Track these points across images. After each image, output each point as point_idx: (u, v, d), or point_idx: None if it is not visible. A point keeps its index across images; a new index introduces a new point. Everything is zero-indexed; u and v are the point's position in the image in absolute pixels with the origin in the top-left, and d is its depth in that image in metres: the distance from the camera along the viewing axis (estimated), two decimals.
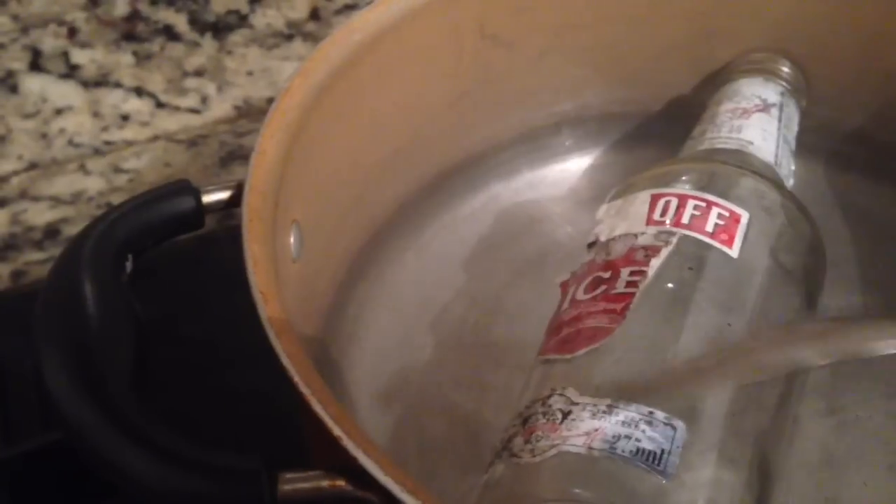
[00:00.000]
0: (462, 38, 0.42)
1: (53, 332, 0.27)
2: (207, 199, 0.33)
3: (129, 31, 0.54)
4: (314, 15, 0.58)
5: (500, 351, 0.41)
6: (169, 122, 0.58)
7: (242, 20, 0.56)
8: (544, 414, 0.32)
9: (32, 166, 0.56)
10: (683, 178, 0.38)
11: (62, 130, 0.56)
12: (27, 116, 0.55)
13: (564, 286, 0.37)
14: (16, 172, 0.55)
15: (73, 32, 0.53)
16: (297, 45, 0.58)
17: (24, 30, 0.52)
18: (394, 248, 0.43)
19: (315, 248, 0.37)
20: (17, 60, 0.53)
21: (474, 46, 0.42)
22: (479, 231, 0.45)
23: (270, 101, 0.59)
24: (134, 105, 0.57)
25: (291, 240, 0.34)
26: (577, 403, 0.32)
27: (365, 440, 0.25)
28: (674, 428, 0.31)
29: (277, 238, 0.32)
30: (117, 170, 0.56)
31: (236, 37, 0.57)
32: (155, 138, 0.58)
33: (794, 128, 0.43)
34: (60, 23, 0.53)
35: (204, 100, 0.58)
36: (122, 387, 0.26)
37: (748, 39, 0.44)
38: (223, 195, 0.33)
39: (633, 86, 0.46)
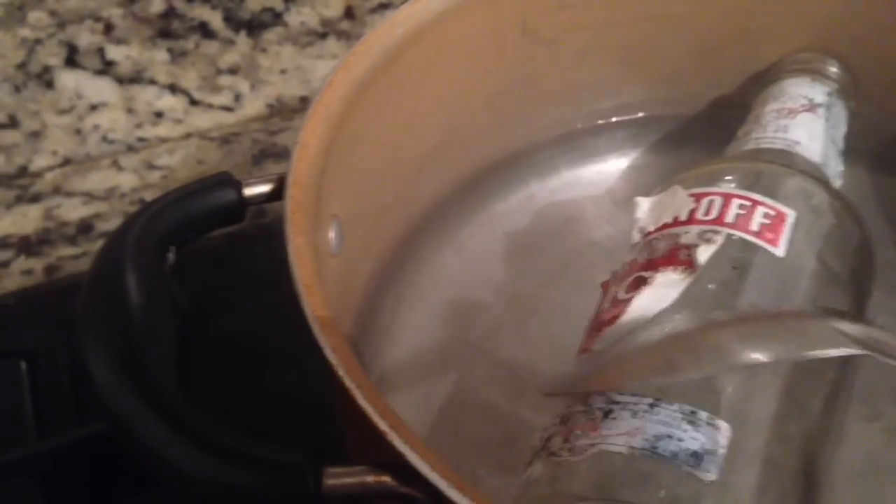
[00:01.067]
0: (503, 34, 0.41)
1: (97, 323, 0.27)
2: (249, 191, 0.32)
3: (165, 28, 0.54)
4: (348, 13, 0.57)
5: (537, 350, 0.41)
6: (202, 120, 0.58)
7: (277, 18, 0.56)
8: (584, 412, 0.31)
9: (66, 162, 0.56)
10: (728, 177, 0.37)
11: (96, 126, 0.56)
12: (62, 112, 0.55)
13: (606, 286, 0.37)
14: (50, 168, 0.56)
15: (108, 28, 0.53)
16: (331, 44, 0.58)
17: (61, 25, 0.52)
18: (430, 245, 0.43)
19: (353, 244, 0.37)
20: (53, 56, 0.53)
21: (515, 43, 0.42)
22: (515, 230, 0.45)
23: (304, 99, 0.59)
24: (168, 102, 0.56)
25: (332, 235, 0.34)
26: (617, 402, 0.31)
27: (412, 436, 0.25)
28: (717, 428, 0.30)
29: (319, 232, 0.32)
30: (150, 166, 0.56)
31: (271, 35, 0.57)
32: (188, 136, 0.58)
33: (843, 128, 0.42)
34: (97, 19, 0.53)
35: (237, 98, 0.58)
36: (168, 378, 0.26)
37: (790, 39, 0.44)
38: (265, 188, 0.33)
39: (674, 85, 0.46)
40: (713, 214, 0.35)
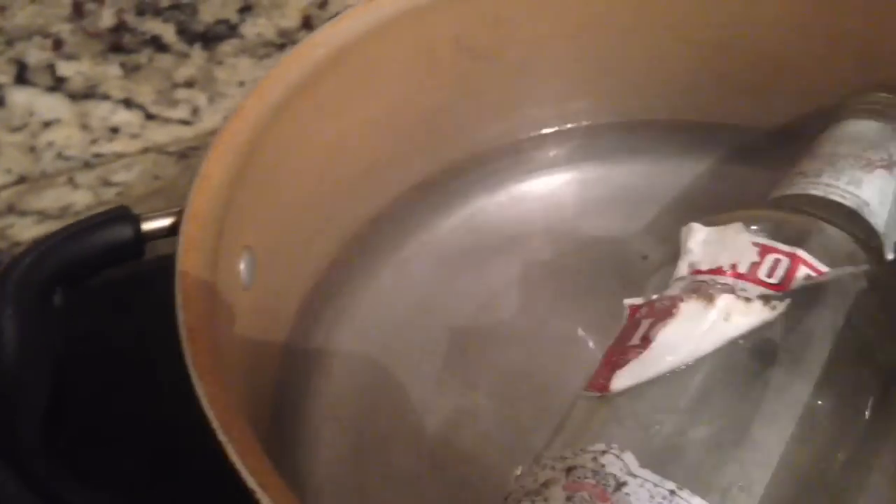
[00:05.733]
0: (436, 51, 0.40)
1: None
2: (147, 226, 0.31)
3: (116, 43, 0.53)
4: (306, 23, 0.56)
5: (477, 376, 0.40)
6: (159, 134, 0.57)
7: (232, 30, 0.55)
8: (595, 473, 0.28)
9: (22, 180, 0.55)
10: (797, 233, 0.34)
11: (51, 143, 0.55)
12: (14, 130, 0.54)
13: (634, 311, 0.33)
14: (4, 186, 0.55)
15: (58, 45, 0.53)
16: None
17: (9, 42, 0.52)
18: (367, 267, 0.42)
19: (275, 274, 0.36)
20: (2, 74, 0.52)
21: (450, 59, 0.40)
22: (458, 248, 0.43)
23: None
24: (123, 117, 0.56)
25: (241, 267, 0.33)
26: (635, 476, 0.28)
27: (285, 496, 0.24)
28: None
29: (221, 268, 0.30)
30: (106, 183, 0.55)
31: (226, 47, 0.56)
32: (145, 150, 0.57)
33: None
34: (45, 35, 0.52)
35: (195, 111, 0.57)
36: (33, 433, 0.25)
37: (740, 49, 0.42)
38: (164, 222, 0.32)
39: (620, 97, 0.44)
40: (777, 278, 0.32)
